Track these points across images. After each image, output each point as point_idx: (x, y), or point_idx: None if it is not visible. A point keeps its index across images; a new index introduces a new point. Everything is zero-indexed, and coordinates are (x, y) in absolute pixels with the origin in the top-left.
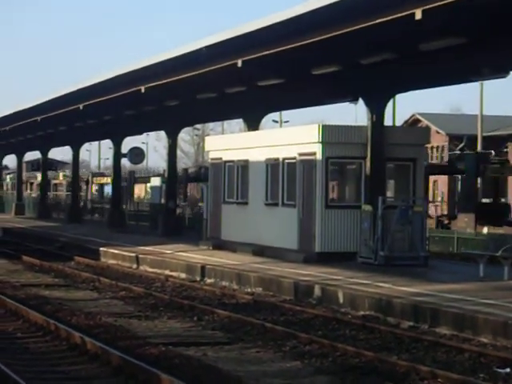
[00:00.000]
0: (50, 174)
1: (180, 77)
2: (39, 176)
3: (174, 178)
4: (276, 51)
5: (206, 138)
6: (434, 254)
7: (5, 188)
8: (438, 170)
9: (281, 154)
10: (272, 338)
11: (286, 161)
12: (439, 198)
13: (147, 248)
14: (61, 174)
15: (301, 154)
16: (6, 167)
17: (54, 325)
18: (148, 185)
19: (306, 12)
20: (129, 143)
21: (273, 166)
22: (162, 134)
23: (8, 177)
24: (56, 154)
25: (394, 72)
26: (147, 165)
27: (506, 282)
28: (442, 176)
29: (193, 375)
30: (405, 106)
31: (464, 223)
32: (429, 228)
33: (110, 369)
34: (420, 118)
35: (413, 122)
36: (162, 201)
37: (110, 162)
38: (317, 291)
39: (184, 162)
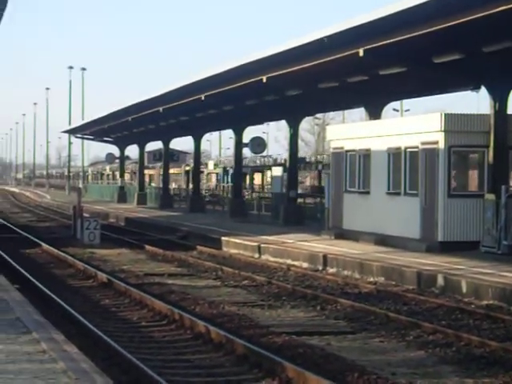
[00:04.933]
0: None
1: (301, 66)
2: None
3: (295, 168)
4: (397, 40)
5: (328, 128)
6: None
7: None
8: None
9: (403, 142)
10: (395, 327)
11: (408, 150)
12: None
13: (269, 237)
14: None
15: (423, 143)
16: (128, 157)
17: (178, 314)
18: (269, 174)
19: (428, 0)
20: (249, 133)
21: (395, 154)
22: (283, 123)
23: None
24: (176, 144)
25: None
26: (267, 154)
27: None
28: None
29: (316, 364)
30: None
31: None
32: None
33: (234, 358)
34: None
35: None
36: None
37: (230, 152)
38: (440, 281)
39: (305, 151)
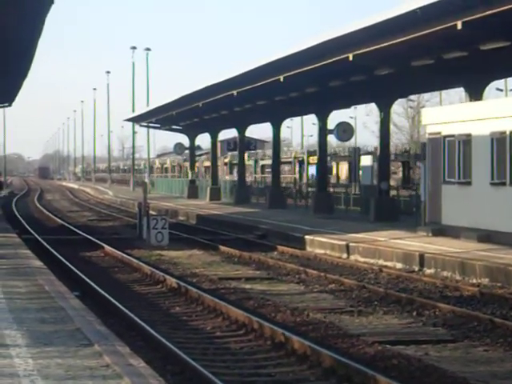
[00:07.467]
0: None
1: (392, 42)
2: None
3: (386, 157)
4: (500, 10)
5: (423, 111)
6: None
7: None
8: None
9: (508, 126)
10: (502, 334)
11: None
12: None
13: (358, 235)
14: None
15: None
16: (199, 147)
17: (257, 322)
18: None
19: None
20: (335, 118)
21: (499, 140)
22: (372, 106)
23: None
24: (253, 132)
25: None
26: (356, 142)
27: None
28: None
29: (413, 377)
30: None
31: None
32: None
33: (320, 371)
34: None
35: None
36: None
37: (313, 140)
38: None
39: (398, 138)
